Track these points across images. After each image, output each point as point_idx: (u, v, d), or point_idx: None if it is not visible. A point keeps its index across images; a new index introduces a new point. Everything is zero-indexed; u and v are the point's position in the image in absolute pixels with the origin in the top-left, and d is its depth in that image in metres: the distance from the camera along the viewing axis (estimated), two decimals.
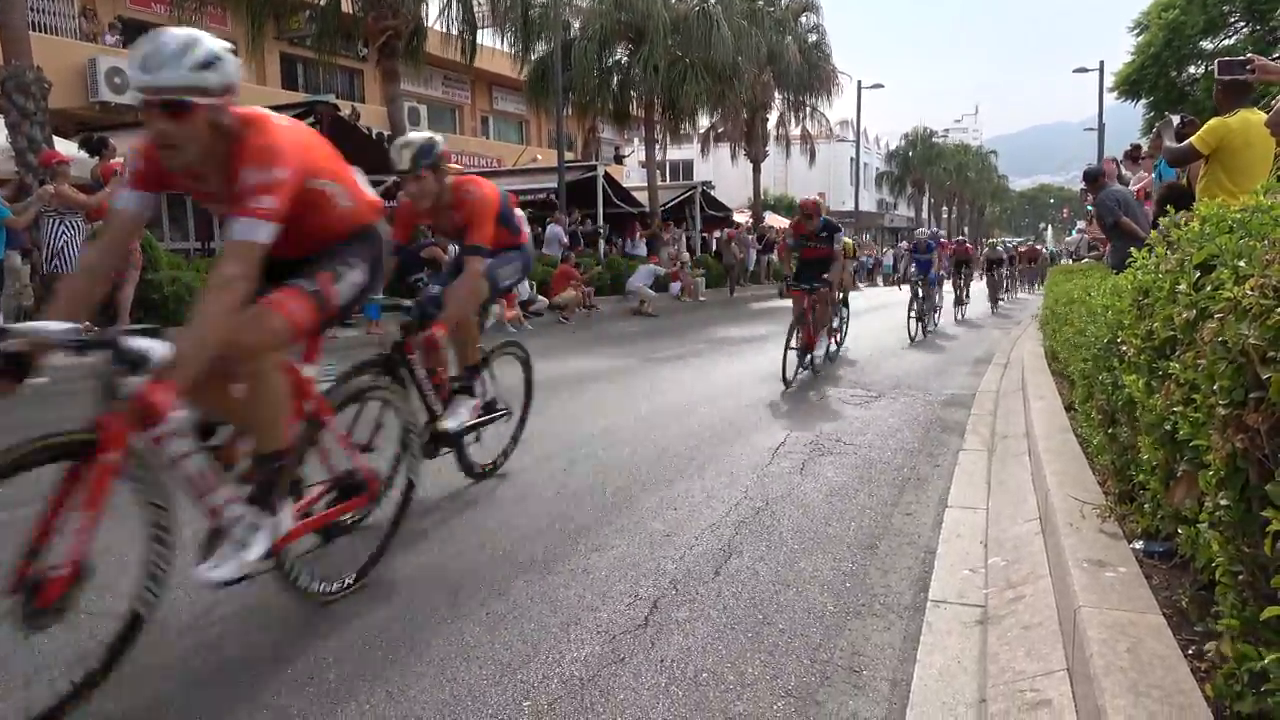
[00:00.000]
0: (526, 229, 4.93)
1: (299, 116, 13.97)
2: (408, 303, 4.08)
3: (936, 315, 14.28)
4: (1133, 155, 10.15)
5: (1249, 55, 4.52)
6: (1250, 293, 1.53)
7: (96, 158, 10.78)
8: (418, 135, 4.29)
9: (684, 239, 24.97)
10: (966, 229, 65.06)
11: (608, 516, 4.09)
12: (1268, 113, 3.75)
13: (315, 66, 22.64)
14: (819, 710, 2.36)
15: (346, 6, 17.21)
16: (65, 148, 11.33)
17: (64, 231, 9.35)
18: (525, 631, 2.83)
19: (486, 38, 23.93)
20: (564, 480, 4.68)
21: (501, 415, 4.76)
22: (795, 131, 33.57)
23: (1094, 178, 7.64)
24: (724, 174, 38.49)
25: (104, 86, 17.51)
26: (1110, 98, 26.22)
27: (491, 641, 2.76)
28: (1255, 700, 1.56)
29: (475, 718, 2.31)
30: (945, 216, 70.38)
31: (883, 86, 38.98)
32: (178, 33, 2.38)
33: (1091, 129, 29.05)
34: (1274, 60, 4.42)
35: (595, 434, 5.83)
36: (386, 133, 16.91)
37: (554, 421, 6.27)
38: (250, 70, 23.16)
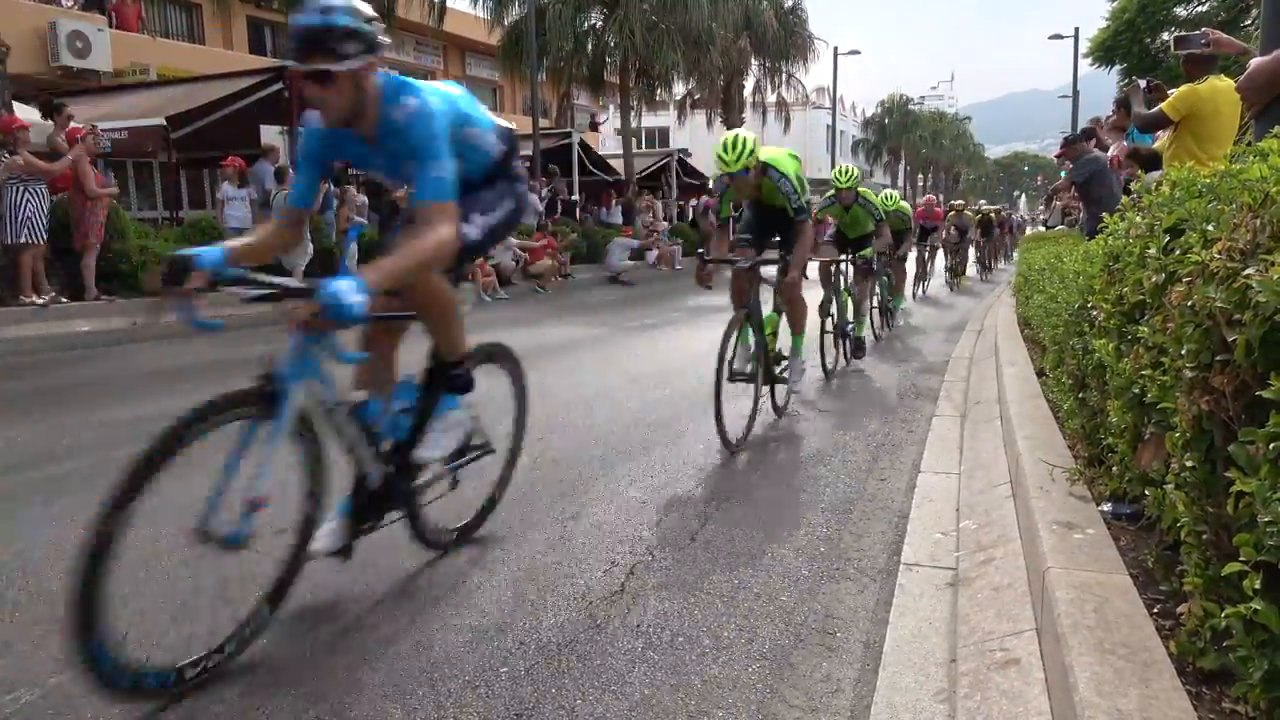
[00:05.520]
0: None
1: (267, 81, 13.75)
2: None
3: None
4: (1120, 125, 10.19)
5: (1204, 30, 4.59)
6: (1218, 256, 1.54)
7: (52, 122, 10.56)
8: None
9: (659, 207, 24.84)
10: (942, 195, 65.17)
11: (584, 484, 4.10)
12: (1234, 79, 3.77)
13: (284, 31, 22.15)
14: (793, 672, 2.39)
15: None
16: (26, 114, 11.06)
17: (29, 199, 9.15)
18: (502, 599, 2.83)
19: (458, 1, 23.57)
20: (541, 449, 4.67)
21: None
22: (771, 99, 33.37)
23: (1072, 143, 7.71)
24: (700, 141, 38.03)
25: (65, 50, 17.06)
26: (1084, 64, 26.24)
27: (469, 609, 2.76)
28: (1217, 656, 1.59)
29: (453, 684, 2.32)
30: (921, 184, 70.49)
31: (859, 53, 38.71)
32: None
33: (1066, 96, 29.10)
34: (1249, 27, 4.46)
35: (572, 402, 5.82)
36: None
37: (531, 391, 6.24)
38: (217, 34, 22.69)
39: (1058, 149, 8.63)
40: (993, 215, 22.20)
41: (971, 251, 19.46)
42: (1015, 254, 24.06)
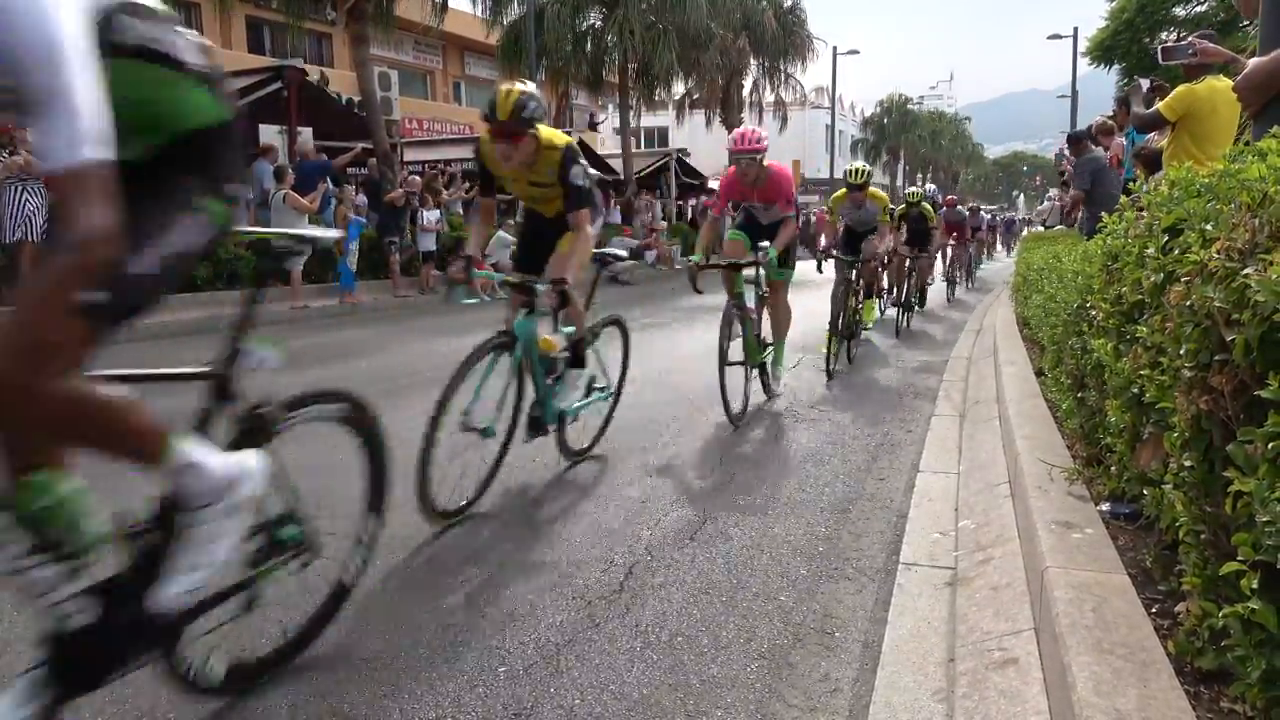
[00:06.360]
0: None
1: (266, 81, 13.74)
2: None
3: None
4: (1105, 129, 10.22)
5: (1191, 39, 4.62)
6: (1216, 256, 1.54)
7: None
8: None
9: (658, 207, 24.86)
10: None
11: (583, 484, 4.10)
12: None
13: (282, 30, 22.13)
14: (792, 672, 2.39)
15: None
16: None
17: (29, 199, 9.14)
18: (501, 598, 2.83)
19: (459, 1, 23.54)
20: (540, 449, 4.67)
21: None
22: (770, 98, 33.37)
23: (1077, 141, 7.70)
24: (699, 141, 38.17)
25: None
26: (1083, 64, 26.23)
27: (467, 608, 2.76)
28: (1215, 656, 1.59)
29: (451, 684, 2.31)
30: (920, 184, 70.56)
31: (858, 53, 38.69)
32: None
33: (1065, 96, 29.11)
34: (1247, 27, 4.49)
35: None
36: (356, 99, 16.62)
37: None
38: (215, 34, 22.66)
39: (1057, 147, 8.64)
40: (926, 208, 11.72)
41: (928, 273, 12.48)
42: (984, 264, 21.02)
